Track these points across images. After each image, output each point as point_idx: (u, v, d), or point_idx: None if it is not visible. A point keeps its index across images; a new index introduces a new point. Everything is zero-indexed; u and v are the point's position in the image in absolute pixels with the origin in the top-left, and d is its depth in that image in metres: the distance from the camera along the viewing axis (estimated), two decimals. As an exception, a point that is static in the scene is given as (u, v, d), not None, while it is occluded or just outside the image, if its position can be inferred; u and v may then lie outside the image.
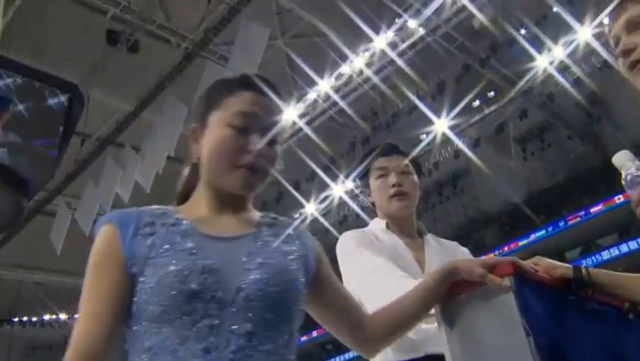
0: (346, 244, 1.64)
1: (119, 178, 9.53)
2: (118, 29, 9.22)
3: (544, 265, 1.09)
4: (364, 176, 1.79)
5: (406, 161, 1.74)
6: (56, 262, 12.47)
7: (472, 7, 11.31)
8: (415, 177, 1.75)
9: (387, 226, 1.71)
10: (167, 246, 0.92)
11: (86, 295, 0.93)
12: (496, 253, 17.01)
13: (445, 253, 1.66)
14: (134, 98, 9.88)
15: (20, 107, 5.32)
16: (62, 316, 16.03)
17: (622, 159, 1.00)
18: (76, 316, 1.26)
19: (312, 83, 11.75)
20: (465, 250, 1.79)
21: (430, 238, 1.76)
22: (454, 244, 1.79)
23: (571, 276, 1.05)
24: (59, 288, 14.43)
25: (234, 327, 0.86)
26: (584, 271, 1.06)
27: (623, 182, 0.98)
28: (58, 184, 10.93)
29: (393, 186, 1.68)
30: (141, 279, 0.90)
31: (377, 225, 1.74)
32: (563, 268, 1.09)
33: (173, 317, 0.86)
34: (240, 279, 0.90)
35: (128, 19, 9.15)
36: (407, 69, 11.38)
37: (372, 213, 1.81)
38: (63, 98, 5.53)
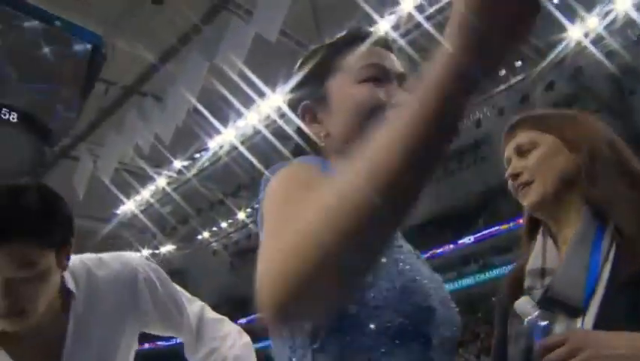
0: None
1: (140, 128, 9.61)
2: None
3: None
4: None
5: None
6: (77, 206, 12.67)
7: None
8: None
9: None
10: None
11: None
12: (511, 224, 17.03)
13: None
14: (158, 49, 9.90)
15: (46, 49, 5.08)
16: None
17: (523, 307, 1.00)
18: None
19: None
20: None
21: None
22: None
23: None
24: (79, 231, 14.79)
25: None
26: None
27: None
28: (81, 131, 11.12)
29: None
30: None
31: None
32: None
33: None
34: None
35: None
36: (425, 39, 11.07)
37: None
38: (88, 46, 5.41)
